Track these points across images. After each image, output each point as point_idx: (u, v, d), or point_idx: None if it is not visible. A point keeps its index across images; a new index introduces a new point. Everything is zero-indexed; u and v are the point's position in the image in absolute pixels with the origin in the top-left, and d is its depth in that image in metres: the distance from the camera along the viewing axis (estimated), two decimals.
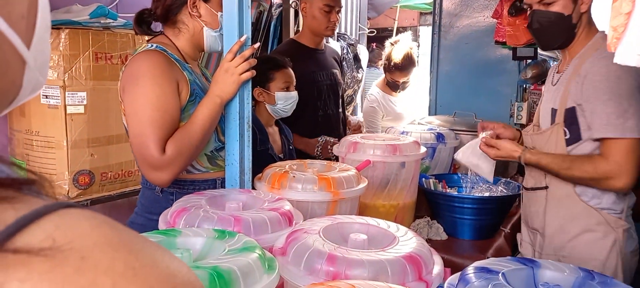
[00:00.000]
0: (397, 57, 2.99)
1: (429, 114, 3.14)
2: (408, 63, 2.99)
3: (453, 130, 2.43)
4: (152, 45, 1.44)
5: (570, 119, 1.51)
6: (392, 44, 3.08)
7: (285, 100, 1.97)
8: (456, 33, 3.15)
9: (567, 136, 1.53)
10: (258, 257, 0.85)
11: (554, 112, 1.58)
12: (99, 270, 0.26)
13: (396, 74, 3.02)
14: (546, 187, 1.63)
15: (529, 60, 2.80)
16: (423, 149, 1.86)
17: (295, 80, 2.04)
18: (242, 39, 1.40)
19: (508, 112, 2.84)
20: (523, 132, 1.78)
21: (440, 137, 2.29)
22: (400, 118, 3.08)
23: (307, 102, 2.37)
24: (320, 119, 2.42)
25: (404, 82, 3.06)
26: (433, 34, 3.23)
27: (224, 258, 0.82)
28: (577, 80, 1.49)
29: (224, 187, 1.52)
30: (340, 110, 2.58)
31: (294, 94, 2.00)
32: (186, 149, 1.36)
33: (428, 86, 3.32)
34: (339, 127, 2.55)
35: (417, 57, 3.15)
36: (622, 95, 1.40)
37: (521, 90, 2.97)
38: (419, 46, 5.14)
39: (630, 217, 1.55)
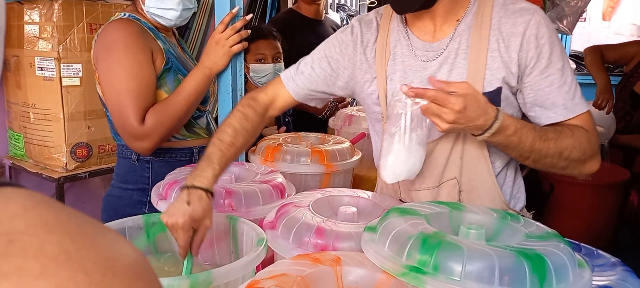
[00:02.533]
0: None
1: None
2: None
3: None
4: (125, 14, 1.43)
5: (492, 103, 0.99)
6: None
7: (258, 73, 1.90)
8: None
9: None
10: None
11: None
12: (27, 254, 0.24)
13: None
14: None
15: None
16: None
17: (279, 51, 1.95)
18: (234, 10, 1.38)
19: None
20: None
21: None
22: None
23: None
24: None
25: None
26: None
27: None
28: (493, 48, 1.04)
29: (201, 155, 1.51)
30: None
31: (268, 67, 1.90)
32: (168, 119, 1.35)
33: None
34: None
35: None
36: (566, 58, 1.08)
37: None
38: None
39: None
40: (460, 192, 1.10)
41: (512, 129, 0.97)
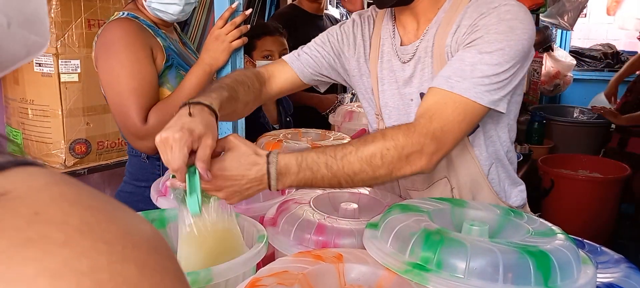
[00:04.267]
0: None
1: None
2: None
3: None
4: (123, 13, 1.43)
5: None
6: None
7: None
8: None
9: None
10: None
11: None
12: (52, 224, 0.25)
13: None
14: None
15: None
16: None
17: (286, 47, 1.95)
18: (234, 5, 1.37)
19: None
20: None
21: None
22: None
23: None
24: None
25: None
26: None
27: None
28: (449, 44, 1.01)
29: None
30: None
31: None
32: (170, 117, 1.34)
33: None
34: (337, 90, 2.53)
35: None
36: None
37: None
38: None
39: None
40: (452, 189, 1.08)
41: (295, 164, 0.85)
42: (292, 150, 0.87)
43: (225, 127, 1.44)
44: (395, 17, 1.11)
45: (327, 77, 1.21)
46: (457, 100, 0.89)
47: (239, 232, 0.89)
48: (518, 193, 1.13)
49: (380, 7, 1.08)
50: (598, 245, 0.89)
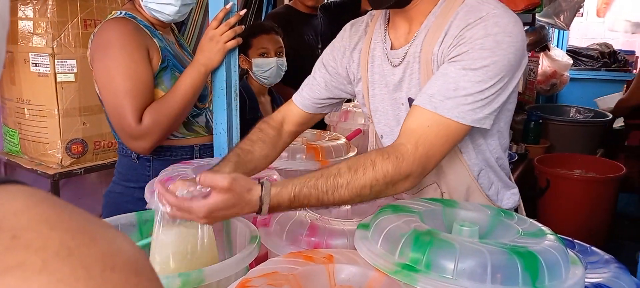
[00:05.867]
0: None
1: None
2: None
3: None
4: (120, 13, 1.42)
5: None
6: None
7: (261, 67, 1.91)
8: None
9: None
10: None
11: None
12: (30, 249, 0.25)
13: None
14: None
15: (526, 27, 2.75)
16: None
17: (281, 45, 1.98)
18: (228, 6, 1.37)
19: None
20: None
21: None
22: None
23: (303, 67, 2.34)
24: None
25: None
26: None
27: None
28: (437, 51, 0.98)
29: (202, 153, 1.52)
30: None
31: (271, 61, 1.92)
32: (165, 118, 1.35)
33: None
34: None
35: None
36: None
37: None
38: None
39: None
40: (442, 194, 1.08)
41: (287, 200, 0.87)
42: (282, 183, 0.89)
43: (221, 127, 1.44)
44: (388, 21, 1.11)
45: (328, 99, 1.22)
46: (440, 122, 0.90)
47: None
48: (510, 196, 1.11)
49: (376, 8, 1.06)
50: (588, 245, 0.89)
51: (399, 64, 1.05)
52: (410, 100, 1.02)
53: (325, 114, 1.30)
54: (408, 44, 1.04)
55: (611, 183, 2.64)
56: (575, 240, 0.90)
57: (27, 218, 0.26)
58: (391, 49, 1.08)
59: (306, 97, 1.21)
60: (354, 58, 1.16)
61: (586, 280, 0.77)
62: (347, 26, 1.21)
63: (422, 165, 0.90)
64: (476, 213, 0.86)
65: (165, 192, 0.88)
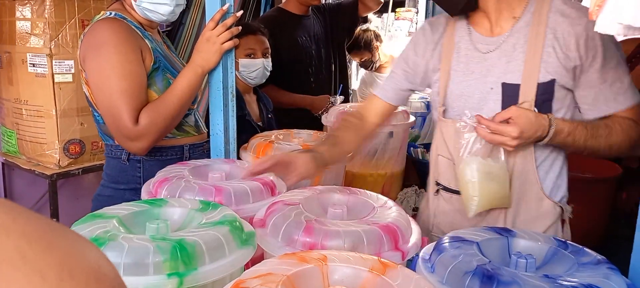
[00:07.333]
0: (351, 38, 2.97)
1: None
2: (356, 43, 2.96)
3: None
4: (111, 13, 1.42)
5: (545, 94, 1.18)
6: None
7: (248, 68, 1.93)
8: None
9: None
10: (230, 230, 0.86)
11: (513, 88, 1.21)
12: None
13: (355, 55, 3.04)
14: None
15: None
16: (412, 118, 1.86)
17: (267, 47, 1.99)
18: (224, 7, 1.38)
19: None
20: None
21: (430, 106, 2.29)
22: None
23: (298, 69, 2.36)
24: (313, 85, 2.42)
25: (366, 61, 3.05)
26: (428, 1, 3.18)
27: (195, 231, 0.83)
28: (553, 44, 1.16)
29: (191, 153, 1.53)
30: (334, 69, 2.57)
31: (258, 62, 1.94)
32: (161, 119, 1.35)
33: None
34: (330, 91, 2.54)
35: (382, 34, 3.15)
36: (619, 50, 1.17)
37: None
38: (417, 12, 5.04)
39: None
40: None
41: (566, 131, 1.15)
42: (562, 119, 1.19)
43: (218, 128, 1.45)
44: (468, 18, 1.29)
45: (407, 90, 1.42)
46: (635, 110, 1.22)
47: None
48: (562, 186, 1.29)
49: (452, 15, 1.28)
50: (581, 246, 0.90)
51: (493, 51, 1.23)
52: (504, 85, 1.21)
53: (400, 105, 1.51)
54: (504, 34, 1.22)
55: (609, 182, 2.65)
56: (568, 241, 0.91)
57: None
58: (480, 37, 1.27)
59: (388, 90, 1.40)
60: (435, 52, 1.33)
61: (578, 281, 0.77)
62: (426, 25, 1.37)
63: None
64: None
65: (480, 130, 1.14)
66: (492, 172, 1.18)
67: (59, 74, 2.10)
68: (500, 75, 1.22)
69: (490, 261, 0.82)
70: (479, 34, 1.27)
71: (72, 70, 2.13)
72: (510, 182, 1.22)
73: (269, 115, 2.09)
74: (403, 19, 5.17)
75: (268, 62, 1.97)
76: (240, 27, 1.43)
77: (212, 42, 1.37)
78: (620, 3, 0.84)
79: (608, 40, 1.14)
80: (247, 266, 0.90)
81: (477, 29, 1.28)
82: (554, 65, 1.16)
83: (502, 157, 1.19)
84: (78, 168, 2.19)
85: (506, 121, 1.13)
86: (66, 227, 0.29)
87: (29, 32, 2.10)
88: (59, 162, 2.15)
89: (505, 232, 0.96)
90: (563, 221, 1.30)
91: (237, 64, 1.92)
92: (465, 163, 1.19)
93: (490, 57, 1.23)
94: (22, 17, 2.11)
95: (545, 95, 1.18)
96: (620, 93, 1.17)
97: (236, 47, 1.94)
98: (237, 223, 0.91)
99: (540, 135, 1.15)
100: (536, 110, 1.18)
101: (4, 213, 0.27)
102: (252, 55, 1.94)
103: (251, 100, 2.04)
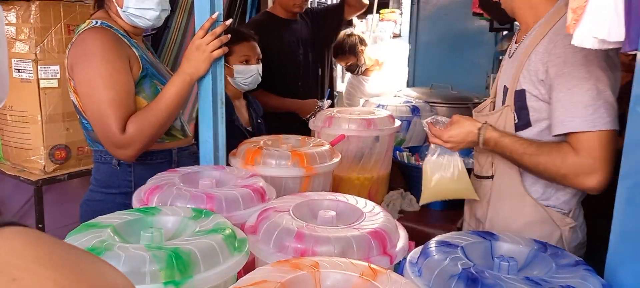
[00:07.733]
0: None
1: (407, 86, 3.18)
2: (341, 48, 3.00)
3: (429, 102, 2.47)
4: (97, 22, 1.43)
5: (520, 102, 1.29)
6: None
7: (243, 74, 1.96)
8: (435, 3, 3.15)
9: (516, 121, 1.31)
10: (224, 238, 0.88)
11: (505, 90, 1.36)
12: None
13: (340, 59, 3.08)
14: (491, 177, 1.42)
15: (505, 32, 2.83)
16: (397, 123, 1.90)
17: (259, 53, 2.03)
18: (214, 15, 1.40)
19: (484, 83, 2.89)
20: (475, 111, 1.52)
21: (415, 110, 2.33)
22: (381, 94, 3.12)
23: (286, 73, 2.38)
24: (301, 89, 2.44)
25: (351, 65, 3.09)
26: (412, 4, 3.23)
27: (189, 239, 0.85)
28: (533, 58, 1.25)
29: (179, 156, 1.56)
30: (321, 73, 2.60)
31: (253, 68, 1.98)
32: (149, 126, 1.37)
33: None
34: (317, 94, 2.57)
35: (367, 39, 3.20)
36: (590, 80, 1.14)
37: (498, 61, 3.02)
38: (401, 14, 5.09)
39: (579, 213, 1.37)
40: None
41: (493, 142, 1.29)
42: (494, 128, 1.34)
43: (207, 135, 1.46)
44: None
45: None
46: (583, 137, 1.24)
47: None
48: (553, 194, 1.33)
49: (503, 24, 1.51)
50: (559, 248, 0.94)
51: (512, 55, 1.39)
52: (505, 89, 1.35)
53: None
54: (523, 40, 1.35)
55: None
56: (547, 243, 0.96)
57: (24, 261, 0.29)
58: (515, 42, 1.41)
59: None
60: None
61: (556, 282, 0.82)
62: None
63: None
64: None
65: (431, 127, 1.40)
66: (442, 166, 1.41)
67: (44, 79, 2.09)
68: (505, 78, 1.38)
69: (474, 264, 0.86)
70: (514, 41, 1.43)
71: (58, 76, 2.12)
72: (472, 178, 1.46)
73: (259, 120, 2.11)
74: (387, 21, 5.23)
75: (260, 68, 2.01)
76: (229, 36, 1.45)
77: (201, 50, 1.38)
78: (596, 18, 0.89)
79: (579, 62, 1.14)
80: (239, 274, 0.92)
81: (517, 36, 1.42)
82: (526, 76, 1.27)
83: (456, 155, 1.40)
84: (64, 174, 2.18)
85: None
86: (89, 253, 0.33)
87: (14, 37, 2.08)
88: (44, 168, 2.14)
89: (488, 236, 1.00)
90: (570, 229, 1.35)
91: (232, 70, 1.95)
92: (425, 161, 1.46)
93: (509, 61, 1.39)
94: (7, 22, 2.09)
95: (519, 103, 1.29)
96: (567, 117, 1.16)
97: (230, 53, 1.98)
98: (230, 230, 0.94)
99: (472, 140, 1.33)
100: (515, 115, 1.31)
101: (41, 247, 0.31)
102: (247, 62, 1.97)
103: (241, 106, 2.06)
